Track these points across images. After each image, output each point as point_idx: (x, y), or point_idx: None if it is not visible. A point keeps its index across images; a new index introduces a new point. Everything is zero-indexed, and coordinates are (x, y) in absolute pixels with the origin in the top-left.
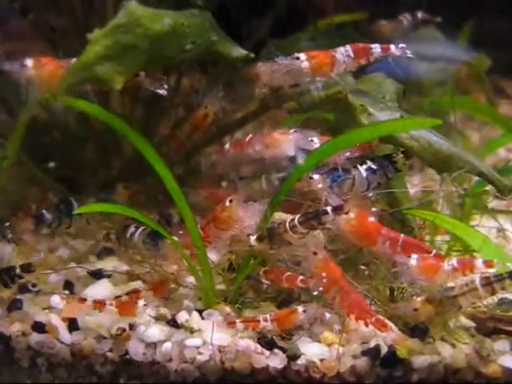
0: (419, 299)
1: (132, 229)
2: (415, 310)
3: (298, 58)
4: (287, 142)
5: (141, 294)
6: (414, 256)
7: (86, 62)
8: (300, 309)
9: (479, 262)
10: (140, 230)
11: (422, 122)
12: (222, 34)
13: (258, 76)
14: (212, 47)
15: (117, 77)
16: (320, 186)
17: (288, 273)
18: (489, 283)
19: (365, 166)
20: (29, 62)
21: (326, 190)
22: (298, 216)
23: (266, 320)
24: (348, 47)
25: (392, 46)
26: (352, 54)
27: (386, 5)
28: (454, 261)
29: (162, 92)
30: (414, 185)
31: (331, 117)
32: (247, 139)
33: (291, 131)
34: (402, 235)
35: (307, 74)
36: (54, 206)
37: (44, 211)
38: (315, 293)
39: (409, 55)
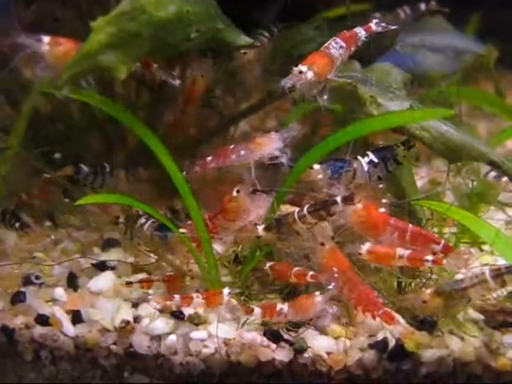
0: (428, 291)
1: (143, 219)
2: (424, 302)
3: (300, 72)
4: (270, 143)
5: (153, 285)
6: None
7: (89, 51)
8: (317, 296)
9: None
10: (150, 221)
11: (434, 112)
12: (227, 22)
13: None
14: (217, 35)
15: (121, 66)
16: (320, 176)
17: (296, 268)
18: (499, 275)
19: (366, 159)
20: (45, 39)
21: (326, 181)
22: (306, 206)
23: (282, 307)
24: (337, 39)
25: (372, 24)
26: (344, 45)
27: None
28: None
29: (175, 83)
30: (421, 177)
31: (338, 107)
32: (231, 148)
33: (272, 133)
34: (411, 225)
35: (314, 82)
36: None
37: (82, 165)
38: (329, 287)
39: (390, 27)
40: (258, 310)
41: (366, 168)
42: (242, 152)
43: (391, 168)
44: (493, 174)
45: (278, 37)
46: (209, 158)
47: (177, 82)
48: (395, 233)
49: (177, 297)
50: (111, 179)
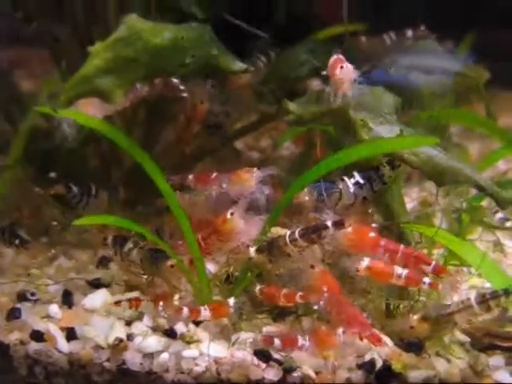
0: (415, 317)
1: (130, 244)
2: (411, 327)
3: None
4: (251, 180)
5: (142, 303)
6: (366, 259)
7: (86, 75)
8: (340, 331)
9: (429, 269)
10: (137, 247)
11: (421, 140)
12: (222, 48)
13: None
14: (212, 61)
15: (116, 90)
16: (307, 198)
17: (285, 290)
18: (484, 301)
19: (352, 180)
20: None
21: (313, 203)
22: (298, 229)
23: (304, 340)
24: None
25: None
26: None
27: (387, 17)
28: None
29: (184, 95)
30: (412, 198)
31: (331, 129)
32: (213, 176)
33: (255, 170)
34: (402, 246)
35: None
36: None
37: (71, 185)
38: (315, 307)
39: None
40: (277, 343)
41: (351, 189)
42: (223, 185)
43: (376, 188)
44: (499, 215)
45: (274, 60)
46: (190, 177)
47: (185, 94)
48: (386, 254)
49: (185, 309)
50: (95, 201)
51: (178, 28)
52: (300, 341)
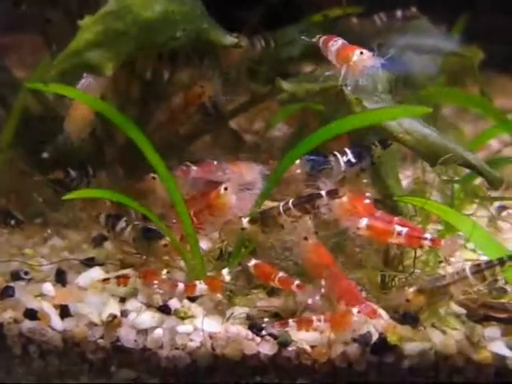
0: (411, 290)
1: (122, 223)
2: (407, 300)
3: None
4: (250, 173)
5: (130, 280)
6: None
7: (76, 49)
8: (355, 310)
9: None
10: (130, 226)
11: (412, 109)
12: (213, 22)
13: None
14: (203, 34)
15: (107, 63)
16: (299, 171)
17: (281, 274)
18: (479, 271)
19: (345, 158)
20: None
21: (304, 176)
22: (292, 199)
23: (319, 320)
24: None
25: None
26: None
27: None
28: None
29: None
30: (406, 176)
31: (322, 107)
32: (215, 164)
33: (254, 164)
34: (396, 218)
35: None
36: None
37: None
38: (309, 301)
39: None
40: (292, 324)
41: (342, 167)
42: (226, 174)
43: (366, 167)
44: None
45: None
46: (193, 168)
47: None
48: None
49: (181, 285)
50: (94, 180)
51: (168, 1)
52: (315, 322)
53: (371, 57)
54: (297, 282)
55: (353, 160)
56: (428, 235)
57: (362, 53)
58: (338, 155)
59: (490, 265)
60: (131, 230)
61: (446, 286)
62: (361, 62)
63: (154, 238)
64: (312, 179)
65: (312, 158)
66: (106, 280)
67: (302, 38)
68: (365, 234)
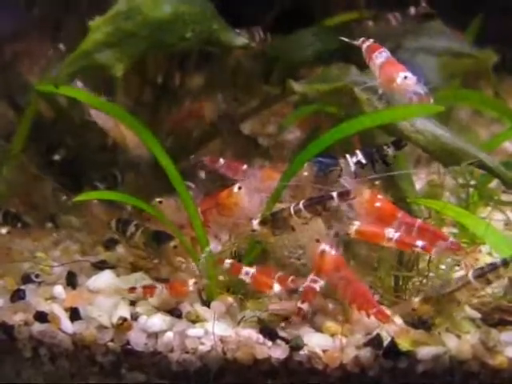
0: (416, 299)
1: (132, 228)
2: (413, 310)
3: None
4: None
5: (156, 291)
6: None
7: (86, 50)
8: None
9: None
10: (140, 230)
11: (426, 108)
12: (223, 23)
13: None
14: (213, 35)
15: (117, 64)
16: (306, 173)
17: (279, 273)
18: (482, 274)
19: (354, 159)
20: None
21: (312, 179)
22: (302, 200)
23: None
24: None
25: None
26: None
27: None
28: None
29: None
30: (420, 178)
31: (335, 110)
32: (244, 168)
33: None
34: (419, 220)
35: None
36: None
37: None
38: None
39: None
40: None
41: (352, 168)
42: (252, 180)
43: (378, 169)
44: None
45: (275, 42)
46: (221, 160)
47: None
48: (402, 227)
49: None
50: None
51: (178, 2)
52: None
53: (414, 83)
54: (292, 277)
55: (363, 160)
56: (419, 243)
57: (406, 77)
58: (348, 156)
59: (492, 267)
60: (141, 233)
61: (451, 292)
62: (404, 86)
63: (164, 241)
64: (320, 182)
65: (320, 159)
66: (132, 289)
67: (342, 38)
68: (355, 237)
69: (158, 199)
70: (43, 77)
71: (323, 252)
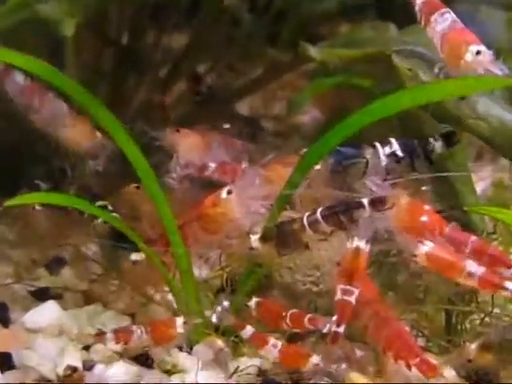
0: (473, 346)
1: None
2: (469, 361)
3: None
4: None
5: (134, 337)
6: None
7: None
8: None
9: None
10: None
11: (492, 81)
12: None
13: None
14: None
15: (67, 18)
16: (317, 167)
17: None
18: None
19: (387, 150)
20: None
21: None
22: (320, 208)
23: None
24: None
25: None
26: None
27: None
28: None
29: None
30: (482, 178)
31: (367, 83)
32: (243, 168)
33: None
34: (473, 237)
35: None
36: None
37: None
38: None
39: None
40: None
41: (383, 162)
42: (249, 180)
43: (418, 166)
44: None
45: None
46: (211, 165)
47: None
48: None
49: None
50: None
51: None
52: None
53: (490, 60)
54: (309, 315)
55: (399, 153)
56: (510, 285)
57: (479, 52)
58: (378, 145)
59: None
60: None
61: None
62: (475, 64)
63: (123, 252)
64: (337, 179)
65: (337, 148)
66: (99, 335)
67: None
68: (423, 264)
69: (134, 185)
70: None
71: (357, 249)
